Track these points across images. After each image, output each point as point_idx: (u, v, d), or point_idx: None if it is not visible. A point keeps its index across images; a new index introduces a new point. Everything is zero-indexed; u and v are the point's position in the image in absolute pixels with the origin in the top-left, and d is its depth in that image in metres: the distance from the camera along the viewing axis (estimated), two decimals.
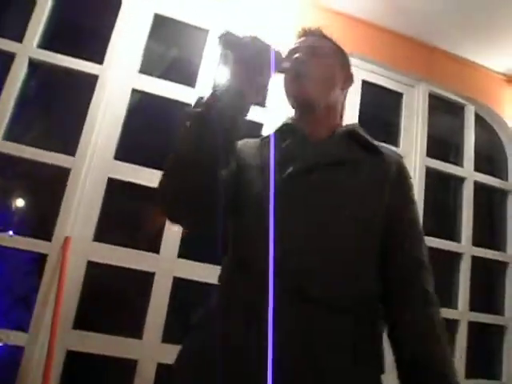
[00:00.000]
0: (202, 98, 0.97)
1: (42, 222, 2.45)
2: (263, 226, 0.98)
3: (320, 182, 1.06)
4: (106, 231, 2.04)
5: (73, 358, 1.89)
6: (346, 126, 1.20)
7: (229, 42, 0.95)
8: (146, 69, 2.20)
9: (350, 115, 2.13)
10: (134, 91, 2.16)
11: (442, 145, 2.88)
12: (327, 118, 1.19)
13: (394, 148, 2.42)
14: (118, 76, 2.13)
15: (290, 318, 0.93)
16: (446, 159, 2.74)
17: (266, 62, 0.97)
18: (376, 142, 1.18)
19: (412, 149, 2.61)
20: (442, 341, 1.02)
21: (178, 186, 0.97)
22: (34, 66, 2.11)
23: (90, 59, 2.12)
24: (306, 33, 1.23)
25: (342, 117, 1.25)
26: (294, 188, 1.04)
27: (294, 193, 1.04)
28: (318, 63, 1.16)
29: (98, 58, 2.11)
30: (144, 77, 2.19)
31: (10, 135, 2.02)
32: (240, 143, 1.16)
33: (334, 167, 1.08)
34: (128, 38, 2.18)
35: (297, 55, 1.14)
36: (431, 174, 2.64)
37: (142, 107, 2.24)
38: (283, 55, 1.03)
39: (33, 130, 2.23)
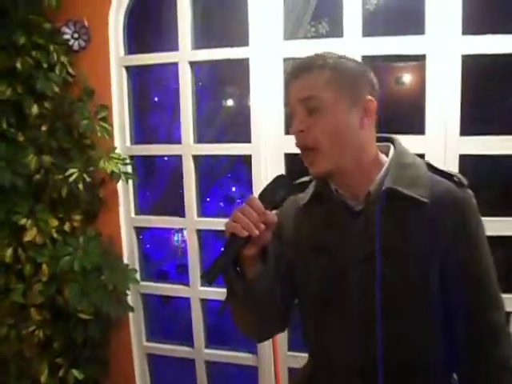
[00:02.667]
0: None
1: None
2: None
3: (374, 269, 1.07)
4: None
5: None
6: (383, 179, 1.09)
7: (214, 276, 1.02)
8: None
9: None
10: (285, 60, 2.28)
11: None
12: (358, 172, 1.10)
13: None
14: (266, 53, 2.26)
15: None
16: None
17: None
18: (421, 190, 1.07)
19: None
20: None
21: (248, 329, 1.23)
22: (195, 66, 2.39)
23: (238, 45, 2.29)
24: (294, 74, 1.10)
25: (375, 152, 1.13)
26: (349, 277, 1.10)
27: (350, 282, 1.09)
28: (319, 124, 1.06)
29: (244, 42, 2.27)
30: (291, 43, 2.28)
31: (199, 137, 2.40)
32: (279, 215, 1.19)
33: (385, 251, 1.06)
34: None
35: (294, 125, 1.08)
36: None
37: None
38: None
39: (212, 126, 2.57)
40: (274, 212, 1.07)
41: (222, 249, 1.03)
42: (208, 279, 1.01)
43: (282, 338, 2.33)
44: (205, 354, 2.53)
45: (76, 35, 2.37)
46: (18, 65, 2.22)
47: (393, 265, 1.05)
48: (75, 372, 2.36)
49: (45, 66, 2.28)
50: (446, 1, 1.99)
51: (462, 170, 2.06)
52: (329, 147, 1.05)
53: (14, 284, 2.26)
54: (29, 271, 2.27)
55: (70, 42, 2.37)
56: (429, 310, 1.07)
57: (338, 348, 1.14)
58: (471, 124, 2.11)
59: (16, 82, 2.24)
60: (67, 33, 2.36)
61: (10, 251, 2.25)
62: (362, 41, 2.12)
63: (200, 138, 2.46)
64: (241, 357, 2.50)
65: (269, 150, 2.29)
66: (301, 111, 1.07)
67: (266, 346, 2.36)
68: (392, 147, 1.16)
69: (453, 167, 2.06)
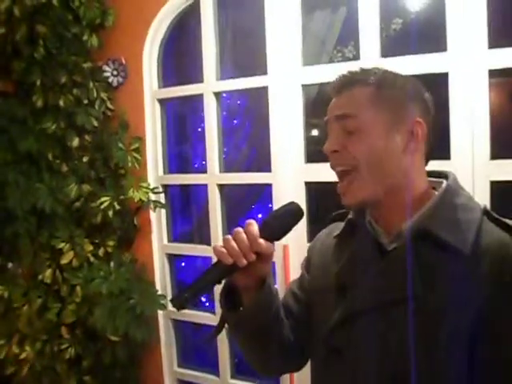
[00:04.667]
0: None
1: None
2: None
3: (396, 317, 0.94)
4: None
5: None
6: (422, 218, 0.96)
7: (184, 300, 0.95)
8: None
9: None
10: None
11: None
12: (398, 206, 0.98)
13: None
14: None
15: None
16: None
17: None
18: (464, 237, 0.91)
19: None
20: None
21: (250, 360, 1.17)
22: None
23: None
24: (336, 90, 1.02)
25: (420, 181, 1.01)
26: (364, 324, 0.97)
27: (365, 330, 0.97)
28: (355, 145, 0.96)
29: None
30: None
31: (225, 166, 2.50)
32: (310, 248, 1.18)
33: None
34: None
35: (328, 144, 1.00)
36: None
37: None
38: None
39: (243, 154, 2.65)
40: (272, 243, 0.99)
41: (202, 273, 0.98)
42: (177, 304, 0.95)
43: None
44: (229, 383, 2.56)
45: (115, 72, 2.63)
46: (61, 102, 2.50)
47: (413, 315, 0.90)
48: None
49: (85, 102, 2.55)
50: (468, 14, 1.89)
51: (493, 198, 1.90)
52: (366, 170, 0.96)
53: (51, 303, 2.51)
54: (65, 292, 2.50)
55: (110, 79, 2.63)
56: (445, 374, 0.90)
57: None
58: (503, 146, 1.93)
59: (59, 117, 2.53)
60: (107, 70, 2.62)
61: (49, 272, 2.51)
62: (380, 62, 2.07)
63: (227, 168, 2.55)
64: None
65: (289, 178, 2.30)
66: (337, 130, 0.99)
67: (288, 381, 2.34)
68: (444, 183, 1.01)
69: (483, 195, 1.91)
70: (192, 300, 0.96)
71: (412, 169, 0.98)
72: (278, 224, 1.01)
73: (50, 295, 2.52)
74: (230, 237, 0.96)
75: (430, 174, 1.05)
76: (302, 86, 2.27)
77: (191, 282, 0.97)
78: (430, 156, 1.03)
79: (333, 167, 1.01)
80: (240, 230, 0.97)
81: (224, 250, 0.95)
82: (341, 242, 1.09)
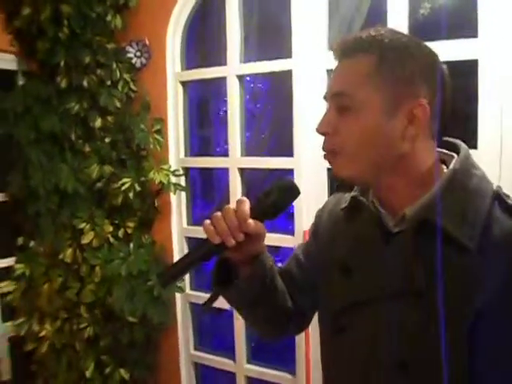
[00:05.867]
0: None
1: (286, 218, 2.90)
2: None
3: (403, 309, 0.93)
4: None
5: None
6: (421, 207, 0.92)
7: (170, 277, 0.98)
8: None
9: None
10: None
11: None
12: (402, 186, 0.95)
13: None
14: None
15: None
16: None
17: None
18: (470, 230, 0.87)
19: None
20: None
21: (258, 331, 1.24)
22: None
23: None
24: (336, 55, 0.97)
25: (428, 166, 0.94)
26: (365, 310, 0.98)
27: (366, 316, 0.98)
28: (347, 127, 0.92)
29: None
30: None
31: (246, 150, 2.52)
32: (319, 212, 1.19)
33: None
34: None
35: (320, 124, 0.97)
36: None
37: None
38: None
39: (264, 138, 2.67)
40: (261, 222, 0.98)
41: (190, 249, 1.01)
42: (163, 281, 0.98)
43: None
44: (245, 368, 2.62)
45: (138, 53, 2.66)
46: (85, 82, 2.55)
47: (413, 308, 0.90)
48: (122, 372, 2.60)
49: (108, 82, 2.59)
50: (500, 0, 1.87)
51: None
52: (353, 151, 0.92)
53: (71, 282, 2.57)
54: (84, 272, 2.57)
55: (133, 60, 2.66)
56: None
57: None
58: None
59: (83, 98, 2.57)
60: (130, 52, 2.66)
61: (69, 252, 2.57)
62: None
63: (248, 152, 2.57)
64: (279, 376, 2.53)
65: (311, 164, 2.31)
66: (331, 109, 0.95)
67: (302, 369, 2.38)
68: (454, 161, 0.95)
69: (510, 186, 1.90)
70: (178, 277, 0.98)
71: (414, 154, 0.92)
72: (271, 202, 0.97)
73: (70, 274, 2.59)
74: (219, 214, 0.95)
75: (442, 143, 0.99)
76: (327, 70, 2.28)
77: (178, 259, 0.98)
78: (442, 134, 0.97)
79: (323, 149, 0.98)
80: (230, 208, 0.95)
81: (212, 227, 0.94)
82: (346, 216, 1.07)
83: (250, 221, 0.95)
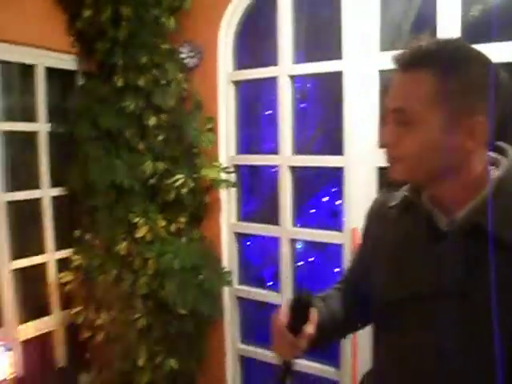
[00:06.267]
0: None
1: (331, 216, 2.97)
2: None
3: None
4: None
5: None
6: (471, 211, 0.97)
7: None
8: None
9: None
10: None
11: None
12: (454, 188, 0.99)
13: None
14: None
15: None
16: None
17: None
18: None
19: None
20: None
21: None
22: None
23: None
24: (397, 67, 1.01)
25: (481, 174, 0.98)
26: (411, 308, 1.04)
27: (411, 313, 1.04)
28: (407, 140, 0.97)
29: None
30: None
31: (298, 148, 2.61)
32: (366, 217, 1.25)
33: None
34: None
35: (381, 136, 1.07)
36: None
37: None
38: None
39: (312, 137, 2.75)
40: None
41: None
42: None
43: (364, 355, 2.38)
44: None
45: (191, 54, 2.77)
46: (141, 82, 2.66)
47: (457, 308, 0.94)
48: (172, 361, 2.71)
49: (162, 82, 2.70)
50: None
51: None
52: (411, 164, 0.98)
53: (125, 274, 2.69)
54: (138, 265, 2.68)
55: (186, 61, 2.77)
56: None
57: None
58: None
59: (138, 97, 2.69)
60: (183, 52, 2.76)
61: (124, 245, 2.69)
62: None
63: (297, 151, 2.65)
64: (323, 369, 2.61)
65: (361, 163, 2.38)
66: (391, 122, 1.00)
67: (349, 362, 2.45)
68: (503, 165, 1.00)
69: None
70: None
71: (466, 162, 0.97)
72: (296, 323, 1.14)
73: (125, 267, 2.71)
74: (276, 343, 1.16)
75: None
76: (380, 71, 2.34)
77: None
78: (494, 141, 1.01)
79: (386, 159, 1.04)
80: (278, 337, 1.15)
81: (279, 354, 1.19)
82: (397, 214, 1.11)
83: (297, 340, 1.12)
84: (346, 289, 1.33)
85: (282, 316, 1.14)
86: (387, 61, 2.26)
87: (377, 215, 1.22)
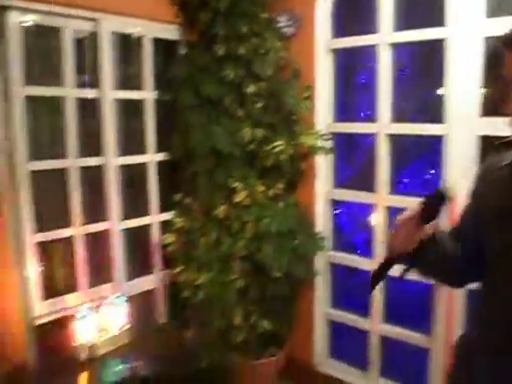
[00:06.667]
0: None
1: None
2: None
3: None
4: None
5: None
6: None
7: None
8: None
9: None
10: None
11: None
12: None
13: None
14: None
15: None
16: None
17: None
18: None
19: None
20: None
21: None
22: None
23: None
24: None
25: None
26: None
27: None
28: None
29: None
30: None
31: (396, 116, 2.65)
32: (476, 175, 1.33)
33: None
34: None
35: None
36: None
37: None
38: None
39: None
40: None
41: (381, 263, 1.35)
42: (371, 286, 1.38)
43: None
44: (379, 328, 2.78)
45: (289, 23, 2.83)
46: (241, 51, 2.75)
47: None
48: (265, 322, 2.84)
49: (261, 51, 2.78)
50: None
51: None
52: None
53: (224, 237, 2.82)
54: (236, 228, 2.80)
55: (284, 30, 2.83)
56: None
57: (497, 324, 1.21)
58: None
59: (238, 65, 2.78)
60: (282, 21, 2.83)
61: (223, 209, 2.82)
62: None
63: (397, 119, 2.68)
64: (414, 336, 2.68)
65: (462, 131, 2.39)
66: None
67: (440, 330, 2.52)
68: None
69: None
70: (379, 281, 1.38)
71: None
72: (429, 213, 1.22)
73: (223, 230, 2.84)
74: (395, 234, 1.27)
75: None
76: (485, 38, 2.33)
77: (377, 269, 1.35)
78: None
79: None
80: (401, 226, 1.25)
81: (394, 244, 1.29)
82: (508, 173, 1.20)
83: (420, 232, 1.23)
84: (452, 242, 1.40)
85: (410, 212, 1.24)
86: (493, 27, 2.29)
87: (487, 174, 1.29)
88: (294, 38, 2.85)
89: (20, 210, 2.41)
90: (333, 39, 2.82)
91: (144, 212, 2.93)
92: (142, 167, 2.90)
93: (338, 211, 3.03)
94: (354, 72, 2.97)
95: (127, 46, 2.81)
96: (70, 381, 2.38)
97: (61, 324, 2.55)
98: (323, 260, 2.97)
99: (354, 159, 3.04)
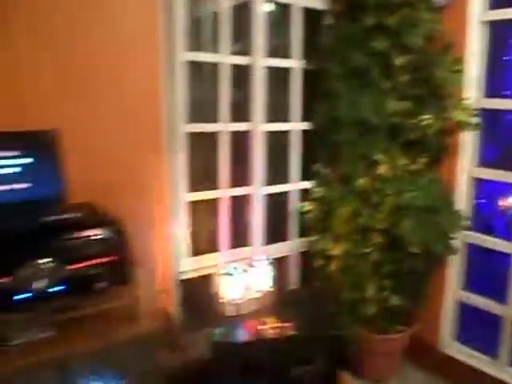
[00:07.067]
0: None
1: None
2: None
3: None
4: None
5: None
6: None
7: None
8: None
9: None
10: None
11: None
12: None
13: None
14: None
15: None
16: None
17: None
18: None
19: None
20: None
21: None
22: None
23: None
24: None
25: None
26: None
27: None
28: None
29: None
30: None
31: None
32: None
33: None
34: None
35: None
36: None
37: None
38: None
39: None
40: None
41: None
42: None
43: None
44: None
45: None
46: (391, 21, 2.72)
47: None
48: (395, 298, 2.83)
49: (412, 22, 2.73)
50: None
51: None
52: None
53: (363, 209, 2.83)
54: (376, 200, 2.80)
55: (436, 0, 2.76)
56: None
57: None
58: None
59: (387, 36, 2.75)
60: None
61: (363, 181, 2.82)
62: None
63: None
64: (488, 304, 2.70)
65: None
66: None
67: None
68: None
69: None
70: None
71: None
72: None
73: (362, 202, 2.84)
74: None
75: None
76: None
77: None
78: None
79: None
80: None
81: None
82: None
83: None
84: None
85: None
86: None
87: None
88: (445, 9, 2.78)
89: (177, 169, 2.53)
90: (487, 11, 2.73)
91: (284, 179, 3.00)
92: (285, 135, 2.96)
93: (484, 189, 2.94)
94: (505, 47, 2.85)
95: (278, 14, 2.86)
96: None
97: (205, 281, 2.67)
98: (460, 240, 2.91)
99: (501, 138, 2.93)
